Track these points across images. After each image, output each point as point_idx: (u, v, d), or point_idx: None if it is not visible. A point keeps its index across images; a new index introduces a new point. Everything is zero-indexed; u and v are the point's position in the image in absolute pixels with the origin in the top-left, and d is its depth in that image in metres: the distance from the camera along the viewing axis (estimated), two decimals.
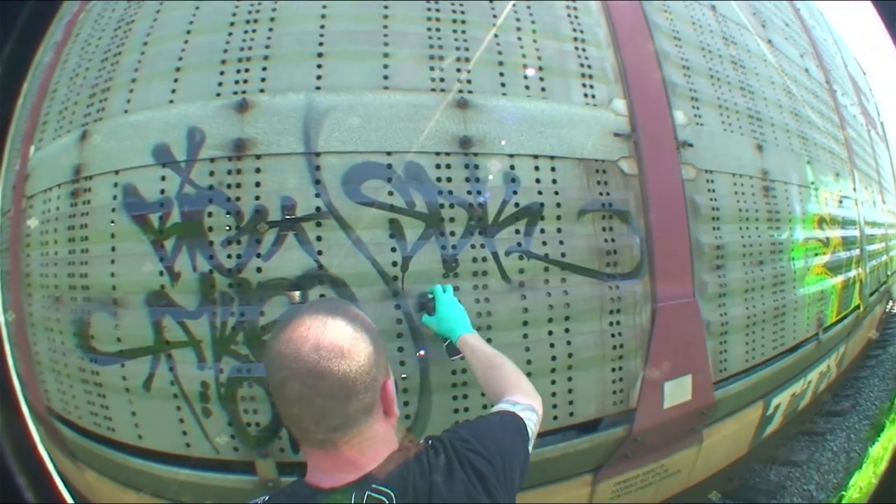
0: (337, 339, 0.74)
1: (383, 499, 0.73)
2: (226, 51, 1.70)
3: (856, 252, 3.50)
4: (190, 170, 1.60)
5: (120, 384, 1.66)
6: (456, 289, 1.59)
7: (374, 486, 0.74)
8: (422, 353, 1.60)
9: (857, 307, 3.51)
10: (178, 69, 1.72)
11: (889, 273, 4.86)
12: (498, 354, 1.31)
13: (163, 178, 1.61)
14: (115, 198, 1.66)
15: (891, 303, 5.60)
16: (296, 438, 0.80)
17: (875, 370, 4.86)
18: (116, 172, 1.68)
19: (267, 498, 0.80)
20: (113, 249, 1.66)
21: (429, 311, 1.53)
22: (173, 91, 1.70)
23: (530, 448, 0.98)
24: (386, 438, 0.81)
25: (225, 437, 1.59)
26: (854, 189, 3.64)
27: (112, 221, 1.66)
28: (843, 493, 2.68)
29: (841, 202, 3.31)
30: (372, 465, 0.77)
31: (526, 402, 1.06)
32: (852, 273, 3.40)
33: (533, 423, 1.03)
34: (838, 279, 3.11)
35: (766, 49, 2.95)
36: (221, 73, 1.68)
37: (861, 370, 4.88)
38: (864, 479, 2.61)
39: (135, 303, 1.62)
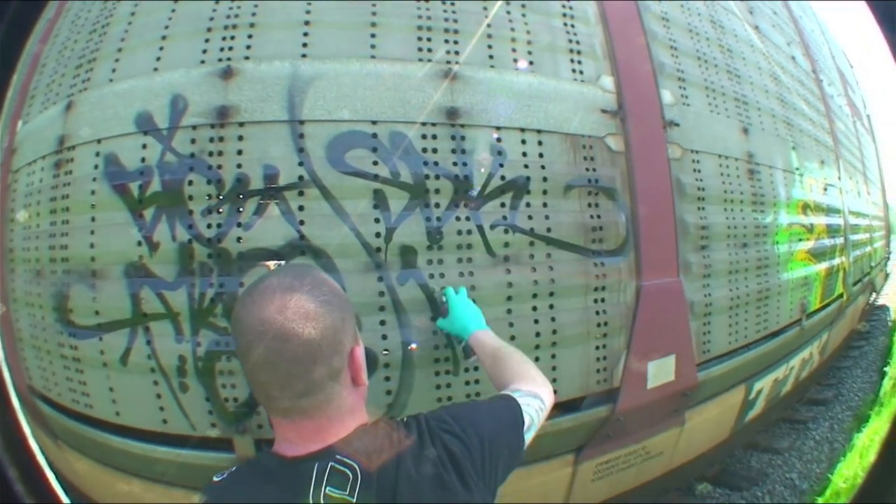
0: (302, 301, 0.72)
1: (346, 471, 0.70)
2: (212, 18, 1.66)
3: (840, 241, 3.55)
4: (172, 137, 1.56)
5: (98, 358, 1.62)
6: (472, 288, 1.58)
7: (338, 456, 0.72)
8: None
9: (841, 296, 3.55)
10: (163, 38, 1.69)
11: (872, 265, 4.93)
12: (505, 347, 1.26)
13: (144, 147, 1.57)
14: (96, 167, 1.62)
15: (874, 294, 5.70)
16: (264, 408, 0.77)
17: (858, 361, 4.92)
18: (99, 142, 1.64)
19: (234, 469, 0.78)
20: (93, 220, 1.62)
21: (443, 313, 1.51)
22: (158, 59, 1.66)
23: (528, 436, 0.94)
24: (354, 409, 0.79)
25: (203, 414, 1.54)
26: (839, 178, 3.68)
27: (93, 192, 1.62)
28: (829, 478, 2.68)
29: (826, 190, 3.34)
30: (338, 437, 0.74)
31: (527, 390, 1.02)
32: (836, 261, 3.44)
33: (533, 409, 0.98)
34: (822, 266, 3.15)
35: (753, 35, 2.96)
36: (206, 40, 1.64)
37: (844, 360, 4.94)
38: (850, 469, 2.62)
39: (113, 274, 1.57)
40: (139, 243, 1.54)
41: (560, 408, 1.82)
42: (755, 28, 2.98)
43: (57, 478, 0.84)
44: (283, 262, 1.52)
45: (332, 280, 0.81)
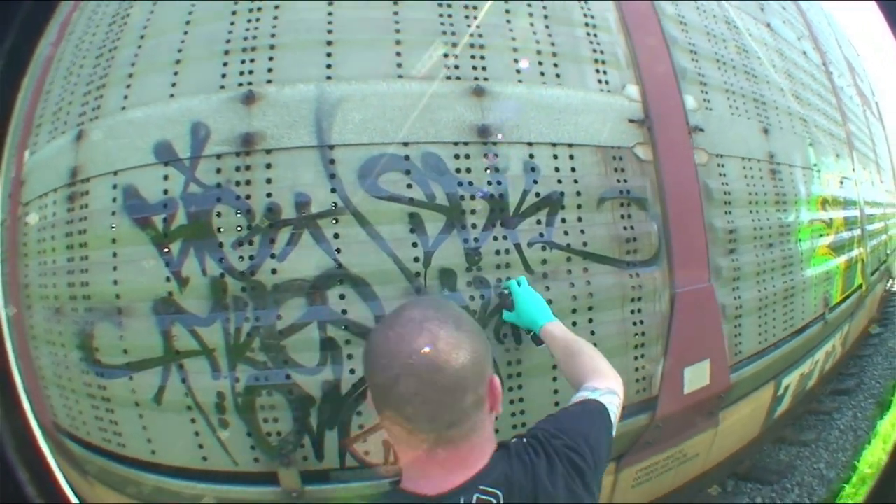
0: (451, 332, 0.73)
1: (492, 500, 0.71)
2: (228, 41, 1.62)
3: (857, 232, 3.56)
4: (195, 167, 1.53)
5: (129, 398, 1.58)
6: (530, 281, 1.57)
7: (481, 487, 0.72)
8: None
9: (860, 286, 3.56)
10: (177, 61, 1.64)
11: (889, 252, 4.94)
12: (578, 340, 1.29)
13: (165, 178, 1.53)
14: (114, 200, 1.57)
15: (891, 281, 5.70)
16: (399, 444, 0.77)
17: (878, 348, 4.91)
18: (115, 173, 1.59)
19: None
20: (114, 255, 1.57)
21: (508, 306, 1.51)
22: (173, 84, 1.61)
23: (613, 433, 0.98)
24: (490, 436, 0.80)
25: (245, 449, 1.53)
26: (853, 170, 3.69)
27: (112, 226, 1.58)
28: (855, 465, 2.70)
29: (842, 183, 3.34)
30: (479, 465, 0.75)
31: (605, 387, 1.04)
32: (854, 253, 3.45)
33: (615, 407, 1.02)
34: (842, 259, 3.16)
35: (766, 33, 2.95)
36: (225, 63, 1.60)
37: (864, 348, 4.94)
38: (874, 455, 2.64)
39: (141, 311, 1.53)
40: (167, 279, 1.50)
41: None
42: (767, 25, 2.97)
43: (66, 479, 0.84)
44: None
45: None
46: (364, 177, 1.54)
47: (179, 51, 1.65)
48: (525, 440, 0.83)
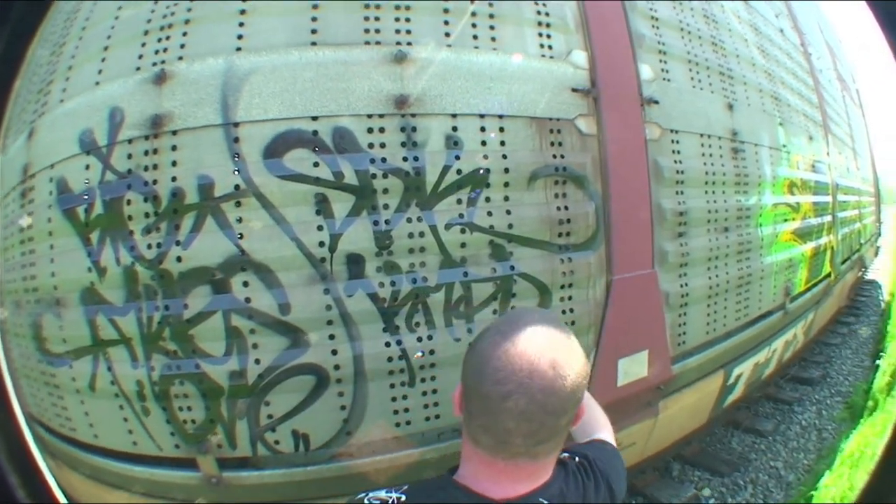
0: (566, 355, 0.73)
1: None
2: (149, 20, 1.54)
3: (827, 219, 3.44)
4: (110, 155, 1.48)
5: (71, 385, 1.59)
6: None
7: (541, 500, 0.74)
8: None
9: (828, 275, 3.47)
10: (105, 48, 1.59)
11: (862, 241, 4.83)
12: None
13: (87, 168, 1.48)
14: (50, 193, 1.55)
15: (863, 271, 5.63)
16: (476, 446, 0.74)
17: (848, 340, 4.78)
18: (52, 166, 1.58)
19: (403, 498, 0.75)
20: (51, 248, 1.56)
21: None
22: (100, 72, 1.56)
23: None
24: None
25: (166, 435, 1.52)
26: (827, 153, 3.54)
27: (49, 219, 1.55)
28: (817, 486, 2.50)
29: (814, 166, 3.21)
30: (544, 479, 0.76)
31: (613, 443, 1.06)
32: (823, 240, 3.34)
33: None
34: (808, 246, 3.05)
35: (740, 5, 2.76)
36: (143, 44, 1.53)
37: (832, 336, 4.83)
38: (839, 484, 2.38)
39: (73, 301, 1.52)
40: (89, 269, 1.47)
41: None
42: None
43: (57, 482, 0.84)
44: None
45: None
46: (269, 156, 1.43)
47: (108, 37, 1.59)
48: (577, 459, 0.85)
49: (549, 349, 0.71)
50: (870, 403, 3.26)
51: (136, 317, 1.45)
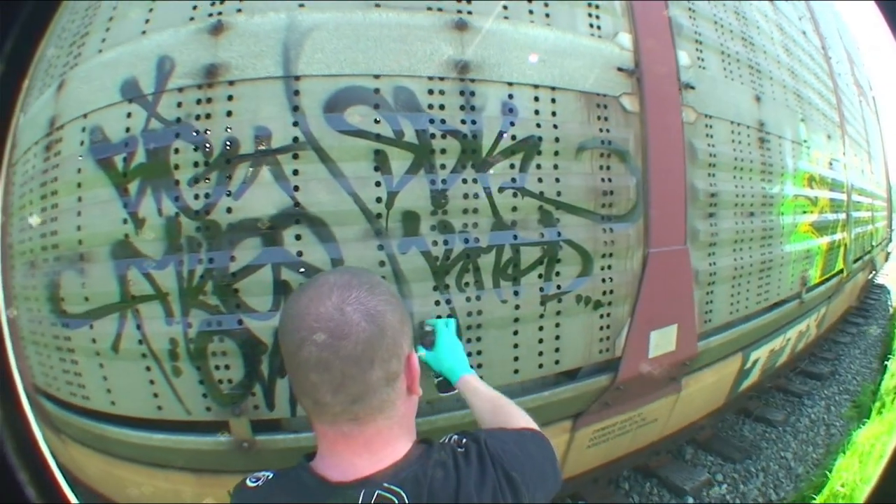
0: (362, 299, 0.69)
1: (393, 499, 0.66)
2: None
3: (842, 216, 3.53)
4: (157, 103, 1.43)
5: (90, 347, 1.52)
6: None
7: (385, 484, 0.67)
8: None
9: (841, 271, 3.56)
10: None
11: (873, 243, 4.92)
12: (501, 396, 1.20)
13: (129, 116, 1.44)
14: (82, 143, 1.50)
15: (873, 272, 5.73)
16: (309, 415, 0.73)
17: (857, 340, 4.86)
18: (85, 116, 1.51)
19: (270, 477, 0.74)
20: (79, 200, 1.50)
21: (426, 345, 1.42)
22: (147, 21, 1.52)
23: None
24: (405, 423, 0.76)
25: (197, 398, 1.47)
26: (844, 153, 3.64)
27: (79, 170, 1.49)
28: (826, 475, 2.54)
29: (831, 164, 3.30)
30: (388, 456, 0.71)
31: (537, 432, 0.99)
32: (838, 236, 3.43)
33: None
34: (824, 240, 3.14)
35: (767, 5, 2.85)
36: None
37: (842, 335, 4.91)
38: (849, 472, 2.46)
39: (100, 256, 1.47)
40: (124, 220, 1.43)
41: (561, 376, 1.81)
42: None
43: (66, 480, 0.81)
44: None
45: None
46: (330, 110, 1.44)
47: None
48: (464, 440, 0.78)
49: (338, 294, 0.68)
50: (877, 404, 3.34)
51: (175, 270, 1.41)
